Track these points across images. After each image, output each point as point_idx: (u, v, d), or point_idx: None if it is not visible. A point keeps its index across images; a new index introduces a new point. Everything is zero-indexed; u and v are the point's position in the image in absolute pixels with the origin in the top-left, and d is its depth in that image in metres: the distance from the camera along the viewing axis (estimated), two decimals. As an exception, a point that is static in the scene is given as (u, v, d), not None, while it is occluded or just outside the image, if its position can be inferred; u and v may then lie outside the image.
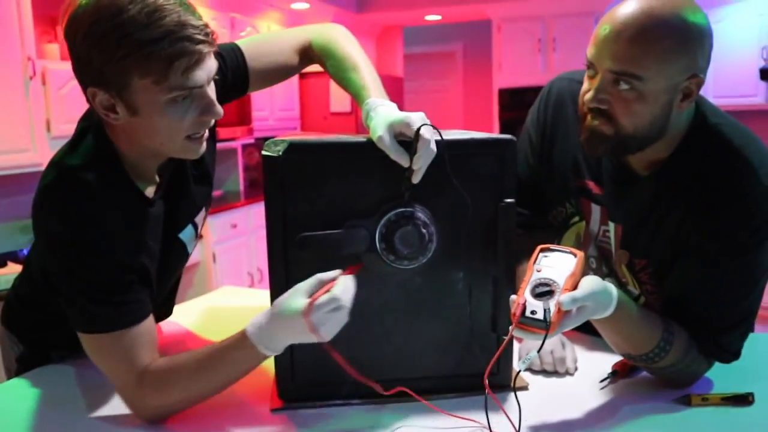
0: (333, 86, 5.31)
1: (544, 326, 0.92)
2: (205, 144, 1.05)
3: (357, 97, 1.14)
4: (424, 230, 1.00)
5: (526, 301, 0.94)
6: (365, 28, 6.13)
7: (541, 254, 1.00)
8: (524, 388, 1.12)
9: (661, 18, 0.99)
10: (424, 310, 1.08)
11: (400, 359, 1.09)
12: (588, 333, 1.31)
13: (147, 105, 0.94)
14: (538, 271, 0.97)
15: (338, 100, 5.38)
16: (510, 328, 0.95)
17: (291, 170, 1.00)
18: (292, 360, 1.06)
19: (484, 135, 1.08)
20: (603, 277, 1.22)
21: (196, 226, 1.23)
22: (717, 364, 1.14)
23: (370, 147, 0.99)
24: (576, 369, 1.18)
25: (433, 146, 0.98)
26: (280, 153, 0.99)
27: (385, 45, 6.52)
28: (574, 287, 0.96)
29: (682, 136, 1.10)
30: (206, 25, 0.94)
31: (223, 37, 4.38)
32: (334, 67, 1.22)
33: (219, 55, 1.17)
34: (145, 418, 1.04)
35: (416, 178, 0.99)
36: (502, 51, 5.65)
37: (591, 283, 0.97)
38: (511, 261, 1.09)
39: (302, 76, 5.50)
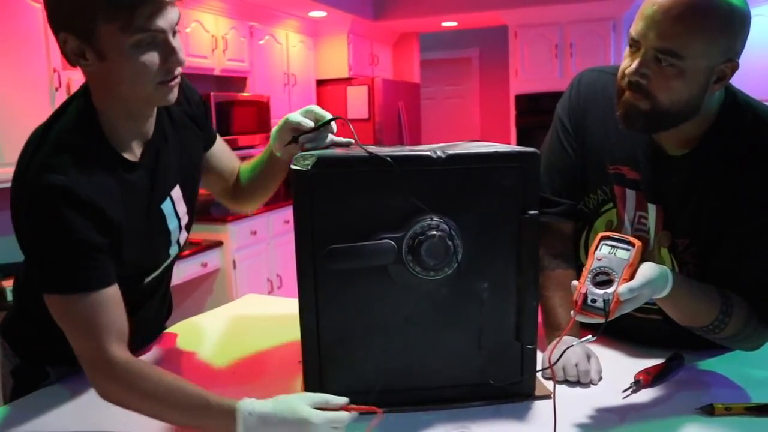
0: (350, 93, 5.39)
1: (603, 314, 0.99)
2: (176, 91, 1.10)
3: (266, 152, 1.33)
4: (449, 242, 1.02)
5: (587, 290, 1.01)
6: (382, 35, 6.16)
7: (602, 242, 1.06)
8: (547, 396, 1.13)
9: (709, 1, 1.04)
10: (449, 320, 1.09)
11: (426, 368, 1.11)
12: (613, 338, 1.33)
13: (113, 50, 1.01)
14: (599, 260, 1.04)
15: (355, 107, 5.42)
16: (572, 312, 1.03)
17: (319, 184, 1.02)
18: (320, 369, 1.08)
19: (507, 147, 1.09)
20: None
21: (174, 203, 1.23)
22: (742, 374, 1.15)
23: (397, 161, 1.02)
24: (600, 379, 1.19)
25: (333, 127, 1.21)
26: (309, 167, 1.02)
27: (402, 51, 6.55)
28: (632, 277, 1.02)
29: (715, 115, 1.16)
30: None
31: (242, 45, 4.45)
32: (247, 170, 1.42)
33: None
34: (102, 397, 1.05)
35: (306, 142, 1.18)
36: (519, 57, 5.65)
37: (648, 271, 1.03)
38: (535, 271, 1.11)
39: (320, 83, 5.54)
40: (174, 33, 1.06)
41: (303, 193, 1.03)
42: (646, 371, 1.17)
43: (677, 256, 1.23)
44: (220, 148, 1.42)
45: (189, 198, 1.29)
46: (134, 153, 1.15)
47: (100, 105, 1.10)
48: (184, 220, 1.28)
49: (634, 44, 1.11)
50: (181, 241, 1.30)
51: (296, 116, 1.20)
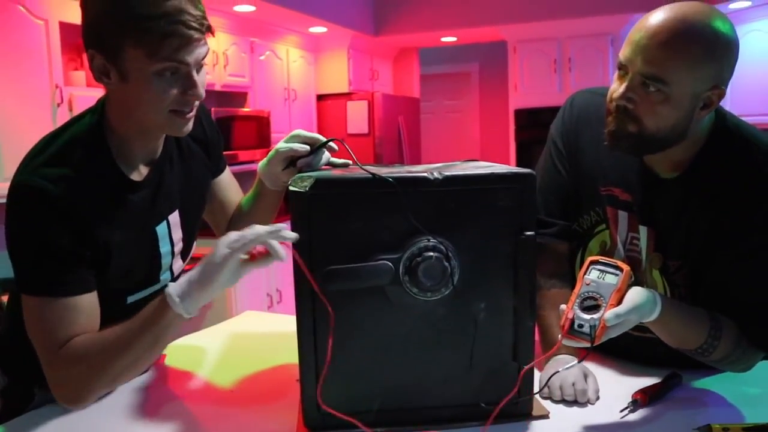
0: (350, 108, 5.42)
1: (590, 339, 1.00)
2: (191, 124, 1.12)
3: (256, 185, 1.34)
4: (446, 263, 1.03)
5: (574, 315, 1.02)
6: (382, 50, 6.20)
7: (591, 266, 1.07)
8: (545, 416, 1.13)
9: (693, 27, 1.06)
10: (446, 340, 1.10)
11: (423, 388, 1.11)
12: (610, 357, 1.33)
13: (136, 73, 1.04)
14: (587, 284, 1.05)
15: (355, 122, 5.44)
16: (559, 336, 1.04)
17: (317, 205, 1.03)
18: (317, 388, 1.08)
19: (504, 168, 1.10)
20: None
21: (170, 228, 1.24)
22: (739, 393, 1.15)
23: (394, 182, 1.02)
24: (597, 399, 1.19)
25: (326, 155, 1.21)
26: (307, 188, 1.02)
27: (402, 66, 6.59)
28: (620, 302, 1.03)
29: (705, 138, 1.16)
30: (204, 17, 1.06)
31: (243, 60, 4.48)
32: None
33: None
34: (63, 398, 1.09)
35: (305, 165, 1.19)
36: (518, 71, 5.69)
37: (635, 296, 1.04)
38: (532, 291, 1.11)
39: (320, 98, 5.57)
40: (199, 68, 1.08)
41: (301, 214, 1.03)
42: (643, 390, 1.18)
43: (668, 278, 1.23)
44: (227, 179, 1.44)
45: (187, 225, 1.29)
46: (140, 173, 1.17)
47: (115, 122, 1.13)
48: (178, 246, 1.28)
49: (622, 68, 1.12)
50: (176, 270, 1.30)
51: (286, 145, 1.21)
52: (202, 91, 1.09)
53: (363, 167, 1.09)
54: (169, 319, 1.04)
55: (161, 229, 1.22)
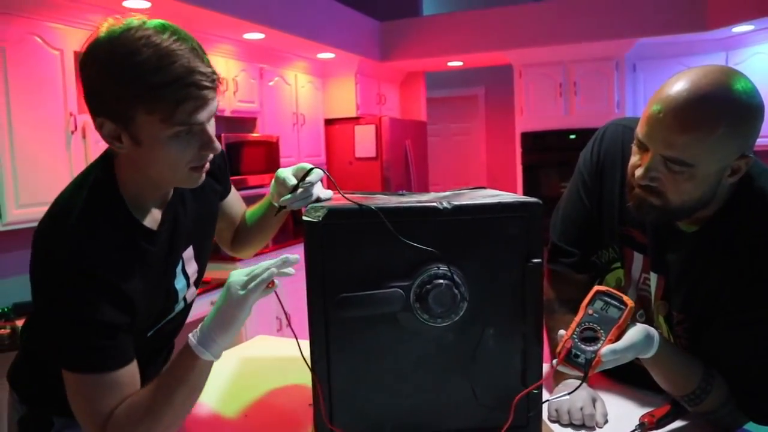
0: (358, 132, 5.47)
1: (584, 370, 1.01)
2: (204, 175, 1.12)
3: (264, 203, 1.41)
4: (456, 290, 1.06)
5: (573, 344, 1.03)
6: (389, 75, 6.27)
7: (596, 296, 1.07)
8: (554, 440, 1.15)
9: (716, 105, 1.00)
10: (456, 365, 1.12)
11: (434, 412, 1.13)
12: (618, 381, 1.35)
13: (151, 138, 1.01)
14: (590, 314, 1.06)
15: (363, 145, 5.49)
16: (554, 361, 1.04)
17: (330, 235, 1.06)
18: (331, 413, 1.11)
19: (511, 197, 1.13)
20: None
21: (184, 264, 1.24)
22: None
23: (404, 212, 1.06)
24: (606, 422, 1.20)
25: (317, 189, 1.23)
26: (320, 218, 1.06)
27: (409, 90, 6.65)
28: (618, 338, 1.03)
29: (727, 195, 1.12)
30: (213, 72, 1.03)
31: (252, 86, 4.54)
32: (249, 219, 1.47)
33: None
34: None
35: (291, 203, 1.22)
36: (524, 95, 5.73)
37: (634, 334, 1.04)
38: (539, 317, 1.13)
39: (328, 122, 5.63)
40: (210, 121, 1.06)
41: (315, 244, 1.07)
42: (650, 413, 1.19)
43: (672, 328, 1.23)
44: (232, 196, 1.46)
45: (200, 255, 1.30)
46: (154, 218, 1.16)
47: (128, 179, 1.10)
48: (193, 278, 1.29)
49: (642, 146, 1.09)
50: (188, 297, 1.30)
51: (284, 171, 1.24)
52: (217, 145, 1.07)
53: (348, 197, 1.11)
54: (200, 367, 1.06)
55: (177, 268, 1.23)
